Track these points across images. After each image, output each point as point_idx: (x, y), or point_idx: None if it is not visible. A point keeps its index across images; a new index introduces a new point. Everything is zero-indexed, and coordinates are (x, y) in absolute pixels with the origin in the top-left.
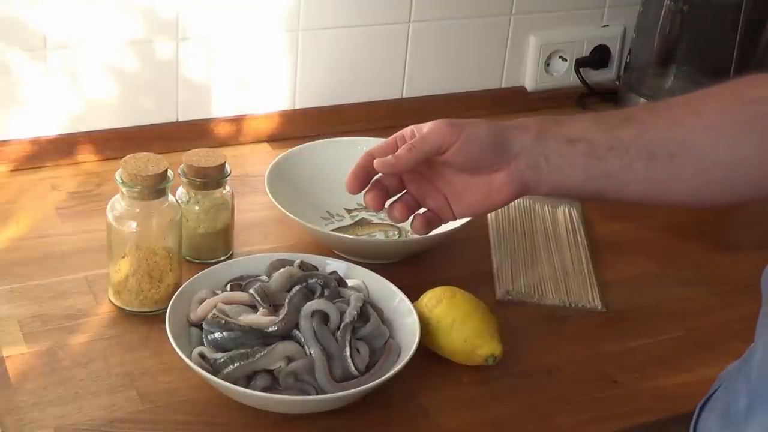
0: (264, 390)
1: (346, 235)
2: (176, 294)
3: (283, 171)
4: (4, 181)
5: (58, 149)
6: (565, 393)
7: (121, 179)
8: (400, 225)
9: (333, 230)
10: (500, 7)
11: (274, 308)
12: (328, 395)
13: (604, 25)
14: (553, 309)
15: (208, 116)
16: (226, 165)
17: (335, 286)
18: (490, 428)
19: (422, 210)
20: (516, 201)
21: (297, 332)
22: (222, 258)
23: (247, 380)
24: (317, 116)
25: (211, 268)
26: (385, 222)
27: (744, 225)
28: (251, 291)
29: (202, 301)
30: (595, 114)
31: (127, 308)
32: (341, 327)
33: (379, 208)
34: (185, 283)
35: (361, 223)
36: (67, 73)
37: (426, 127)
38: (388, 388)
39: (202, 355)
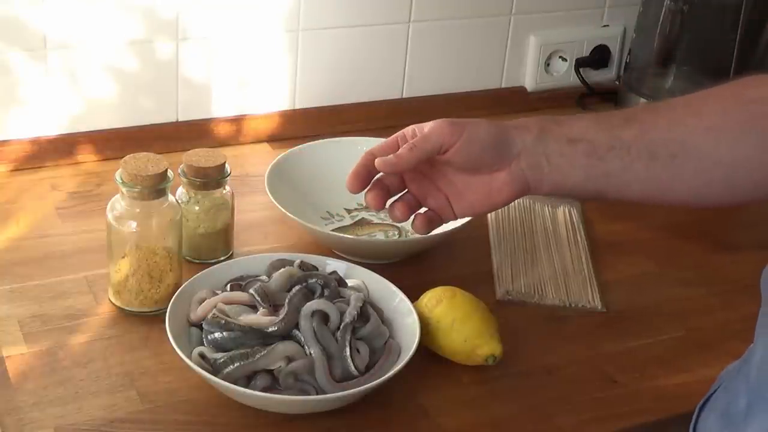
0: (264, 390)
1: (346, 235)
2: (176, 294)
3: (283, 171)
4: (4, 181)
5: (58, 149)
6: (565, 393)
7: (121, 179)
8: (400, 225)
9: (333, 230)
10: (500, 7)
11: (274, 308)
12: (328, 395)
13: (604, 25)
14: (553, 309)
15: (208, 116)
16: (226, 165)
17: (335, 286)
18: (490, 428)
19: (423, 209)
20: (516, 201)
21: (297, 332)
22: (222, 258)
23: (247, 380)
24: (317, 116)
25: (211, 268)
26: (385, 222)
27: (744, 225)
28: (251, 291)
29: (202, 301)
30: (596, 114)
31: (127, 308)
32: (341, 327)
33: (380, 207)
34: (185, 283)
35: (361, 223)
36: (67, 73)
37: (427, 126)
38: (388, 388)
39: (202, 355)
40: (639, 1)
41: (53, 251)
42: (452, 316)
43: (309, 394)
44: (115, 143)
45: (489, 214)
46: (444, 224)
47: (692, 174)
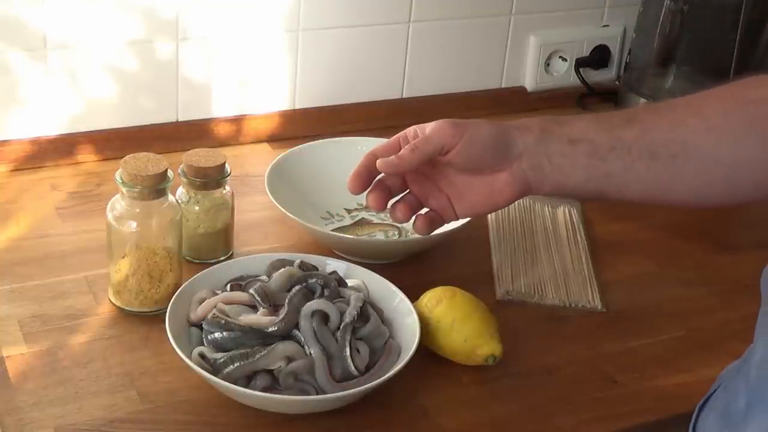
0: (264, 390)
1: (346, 235)
2: (176, 294)
3: (283, 171)
4: (4, 181)
5: (58, 149)
6: (565, 393)
7: (121, 179)
8: (400, 225)
9: (333, 230)
10: (500, 7)
11: (274, 308)
12: (328, 395)
13: (604, 25)
14: (553, 309)
15: (208, 116)
16: (226, 165)
17: (335, 286)
18: (490, 428)
19: (424, 210)
20: (516, 201)
21: (297, 332)
22: (222, 258)
23: (247, 380)
24: (317, 116)
25: (211, 268)
26: (385, 222)
27: (744, 225)
28: (251, 291)
29: (202, 301)
30: (597, 114)
31: (127, 308)
32: (341, 327)
33: (382, 208)
34: (185, 283)
35: (361, 223)
36: (67, 73)
37: (429, 127)
38: (388, 388)
39: (202, 355)
40: (639, 1)
41: (53, 251)
42: (452, 316)
43: (309, 394)
44: (115, 143)
45: (489, 215)
46: (445, 224)
47: (693, 174)
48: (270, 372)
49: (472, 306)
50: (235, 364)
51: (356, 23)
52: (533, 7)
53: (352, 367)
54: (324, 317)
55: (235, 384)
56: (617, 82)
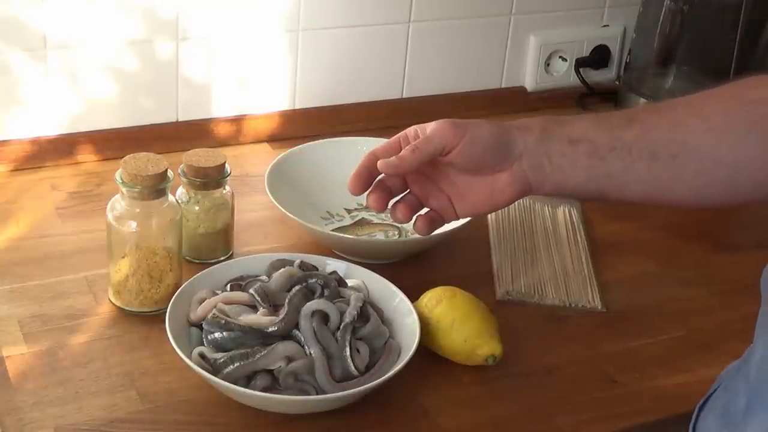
0: (264, 390)
1: (346, 235)
2: (176, 294)
3: (283, 171)
4: (4, 181)
5: (58, 149)
6: (565, 393)
7: (121, 179)
8: (400, 225)
9: (333, 230)
10: (500, 7)
11: (274, 308)
12: (328, 395)
13: (604, 25)
14: (553, 309)
15: (208, 116)
16: (226, 165)
17: (335, 286)
18: (490, 428)
19: (424, 210)
20: (517, 201)
21: (297, 332)
22: (222, 258)
23: (247, 380)
24: (317, 116)
25: (211, 268)
26: (385, 222)
27: (744, 225)
28: (251, 291)
29: (202, 301)
30: (597, 114)
31: (127, 308)
32: (341, 327)
33: (383, 209)
34: (185, 283)
35: (361, 223)
36: (67, 73)
37: (429, 127)
38: (388, 388)
39: (202, 355)
40: (639, 1)
41: (53, 251)
42: (452, 316)
43: (309, 394)
44: (115, 143)
45: (489, 215)
46: (445, 224)
47: (693, 174)
48: (270, 372)
49: (472, 306)
50: (235, 364)
51: (356, 23)
52: (533, 7)
53: (352, 367)
54: (324, 317)
55: (235, 384)
56: (617, 82)
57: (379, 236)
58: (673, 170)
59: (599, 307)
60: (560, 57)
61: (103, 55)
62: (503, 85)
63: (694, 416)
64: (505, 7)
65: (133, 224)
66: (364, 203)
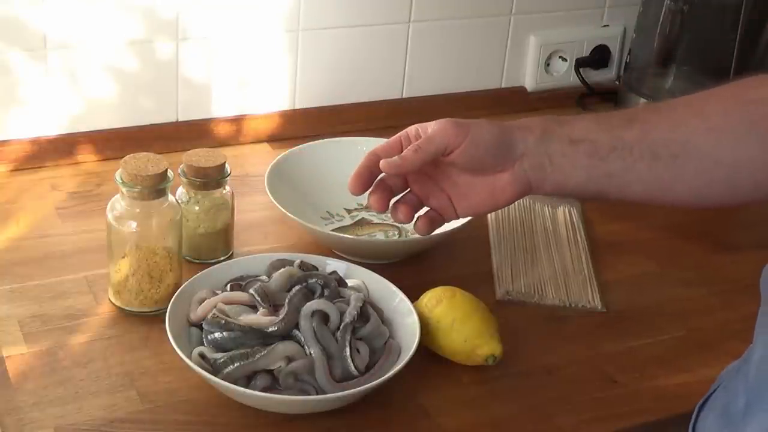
0: (264, 390)
1: (346, 235)
2: (176, 294)
3: (283, 171)
4: (4, 181)
5: (58, 149)
6: (565, 393)
7: (121, 179)
8: (400, 225)
9: (333, 230)
10: (500, 7)
11: (274, 308)
12: (328, 395)
13: (604, 25)
14: (553, 309)
15: (208, 116)
16: (226, 165)
17: (335, 286)
18: (490, 428)
19: (424, 210)
20: (517, 200)
21: (297, 332)
22: (222, 258)
23: (247, 380)
24: (317, 116)
25: (211, 268)
26: (385, 222)
27: (744, 225)
28: (251, 291)
29: (202, 301)
30: (598, 114)
31: (127, 308)
32: (341, 327)
33: (384, 210)
34: (185, 283)
35: (361, 223)
36: (67, 73)
37: (431, 127)
38: (388, 388)
39: (202, 355)
40: (639, 1)
41: (53, 251)
42: (452, 316)
43: (309, 394)
44: (115, 143)
45: (489, 214)
46: (445, 224)
47: (693, 174)
48: (270, 372)
49: (472, 306)
50: (235, 364)
51: (356, 23)
52: (533, 7)
53: (352, 367)
54: (324, 317)
55: (235, 384)
56: (617, 82)
57: (379, 236)
58: (673, 170)
59: (599, 307)
60: (560, 57)
61: (103, 55)
62: (503, 85)
63: (693, 416)
64: (505, 7)
65: (133, 224)
66: (364, 203)
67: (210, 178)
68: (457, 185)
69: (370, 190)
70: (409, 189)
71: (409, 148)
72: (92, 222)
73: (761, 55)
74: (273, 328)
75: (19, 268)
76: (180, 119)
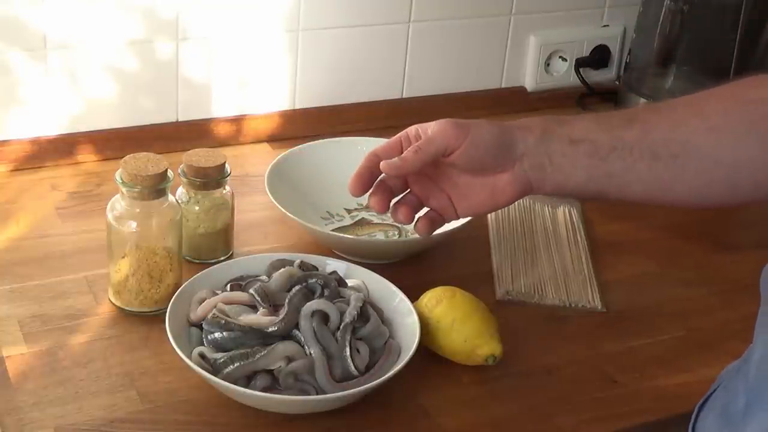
0: (264, 390)
1: (346, 235)
2: (176, 294)
3: (283, 171)
4: (4, 181)
5: (58, 149)
6: (565, 393)
7: (121, 179)
8: (400, 225)
9: (333, 230)
10: (500, 7)
11: (274, 308)
12: (328, 395)
13: (604, 25)
14: (553, 309)
15: (208, 116)
16: (226, 165)
17: (335, 286)
18: (490, 428)
19: (424, 210)
20: (517, 200)
21: (297, 332)
22: (222, 258)
23: (247, 380)
24: (317, 116)
25: (211, 268)
26: (385, 222)
27: (744, 225)
28: (251, 291)
29: (202, 301)
30: (598, 114)
31: (127, 308)
32: (341, 327)
33: (385, 210)
34: (185, 283)
35: (361, 223)
36: (67, 73)
37: (431, 127)
38: (388, 388)
39: (202, 355)
40: (639, 1)
41: (53, 251)
42: (452, 316)
43: (309, 394)
44: (115, 143)
45: (489, 215)
46: (445, 224)
47: (693, 174)
48: (270, 372)
49: (472, 306)
50: (235, 364)
51: (356, 23)
52: (533, 7)
53: (352, 367)
54: (324, 317)
55: (235, 384)
56: (617, 82)
57: (379, 236)
58: (673, 170)
59: (599, 307)
60: (560, 57)
61: (103, 55)
62: (503, 85)
63: (693, 416)
64: (505, 7)
65: (133, 224)
66: (365, 203)
67: (210, 178)
68: (457, 186)
69: (370, 191)
70: (409, 189)
71: (409, 149)
72: (92, 222)
73: (761, 55)
74: (273, 328)
75: (19, 268)
76: (180, 119)
